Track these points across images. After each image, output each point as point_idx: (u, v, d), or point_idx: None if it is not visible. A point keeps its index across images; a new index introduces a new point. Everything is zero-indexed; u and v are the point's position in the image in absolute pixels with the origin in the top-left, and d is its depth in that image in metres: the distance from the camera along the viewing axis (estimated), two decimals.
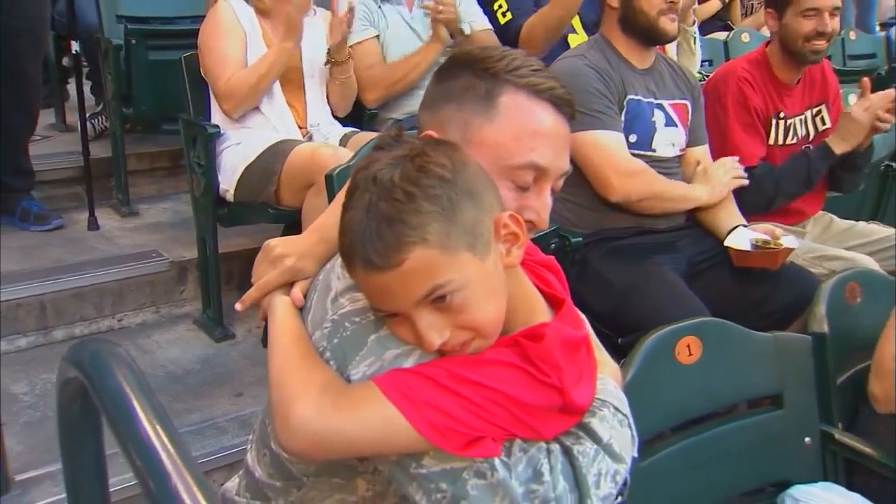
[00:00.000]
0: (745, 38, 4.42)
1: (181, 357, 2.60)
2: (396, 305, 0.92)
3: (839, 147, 2.50)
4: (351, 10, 2.64)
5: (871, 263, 2.28)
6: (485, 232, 0.93)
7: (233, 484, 1.26)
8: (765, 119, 2.56)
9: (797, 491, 1.58)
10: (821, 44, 2.50)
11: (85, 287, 2.72)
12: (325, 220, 1.15)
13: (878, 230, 2.59)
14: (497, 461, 0.91)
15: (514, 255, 0.98)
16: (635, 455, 1.06)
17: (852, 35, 5.36)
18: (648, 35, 2.28)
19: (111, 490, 1.02)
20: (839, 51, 5.07)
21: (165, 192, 3.68)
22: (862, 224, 2.65)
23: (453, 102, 1.07)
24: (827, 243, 2.57)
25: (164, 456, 0.70)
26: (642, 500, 1.41)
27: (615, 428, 0.99)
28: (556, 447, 0.94)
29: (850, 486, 1.64)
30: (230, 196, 2.56)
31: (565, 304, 1.06)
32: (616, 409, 1.01)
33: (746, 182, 2.35)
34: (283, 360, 0.98)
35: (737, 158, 2.39)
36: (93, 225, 3.19)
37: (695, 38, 3.54)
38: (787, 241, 2.18)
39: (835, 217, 2.70)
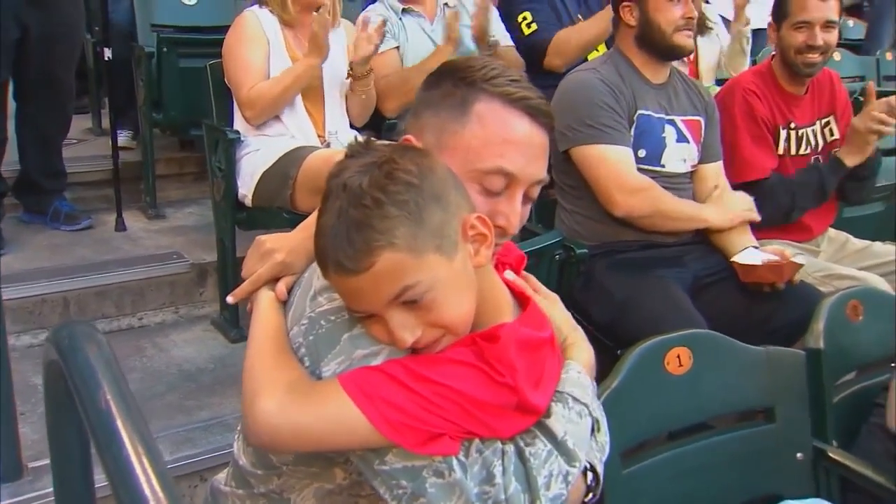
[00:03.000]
0: (837, 56, 4.37)
1: (196, 356, 2.66)
2: (369, 306, 0.95)
3: (850, 159, 2.50)
4: (384, 22, 2.68)
5: (882, 284, 2.25)
6: (452, 233, 0.96)
7: (223, 475, 1.31)
8: (773, 129, 2.56)
9: None
10: (813, 57, 2.50)
11: (107, 286, 2.81)
12: (315, 219, 1.19)
13: (893, 251, 2.56)
14: (455, 461, 0.94)
15: (483, 254, 1.01)
16: (606, 444, 1.08)
17: (889, 55, 5.27)
18: (665, 51, 2.30)
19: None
20: (874, 71, 5.00)
21: (192, 197, 3.77)
22: (878, 245, 2.61)
23: (431, 109, 1.11)
24: (841, 262, 2.54)
25: (124, 435, 0.74)
26: None
27: (571, 421, 1.01)
28: (510, 448, 0.96)
29: None
30: (248, 201, 2.62)
31: (530, 305, 1.09)
32: (575, 399, 1.02)
33: (757, 219, 2.34)
34: (257, 353, 1.02)
35: (752, 199, 2.38)
36: (120, 226, 3.29)
37: (748, 38, 3.54)
38: (797, 259, 2.18)
39: (851, 237, 2.67)
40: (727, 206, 2.32)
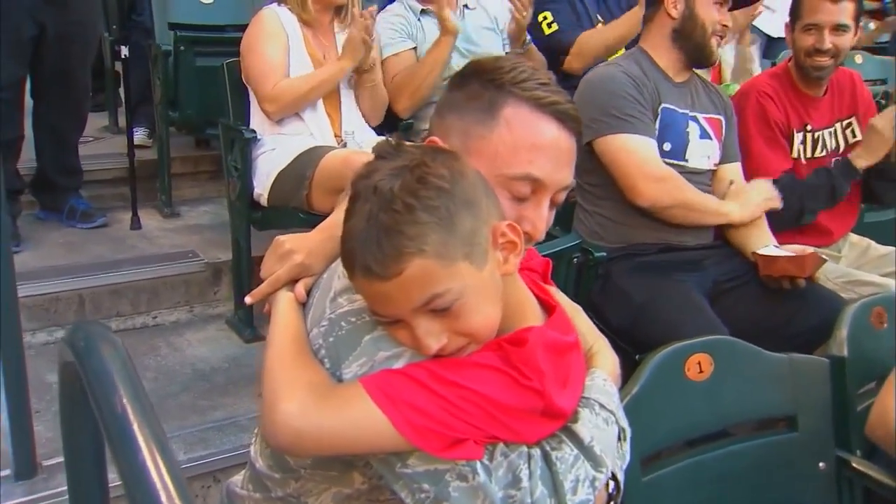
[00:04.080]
0: (859, 59, 4.35)
1: (210, 356, 2.66)
2: (395, 312, 0.94)
3: (861, 161, 2.46)
4: (371, 13, 2.67)
5: None
6: (482, 241, 0.94)
7: (238, 477, 1.29)
8: (787, 133, 2.54)
9: None
10: (822, 60, 2.48)
11: (122, 284, 2.81)
12: (334, 219, 1.17)
13: None
14: (478, 464, 0.93)
15: (512, 262, 0.99)
16: (626, 453, 1.06)
17: None
18: (698, 49, 2.28)
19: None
20: (894, 74, 4.93)
21: (208, 196, 3.77)
22: None
23: (457, 111, 1.09)
24: (863, 268, 2.51)
25: (139, 438, 0.72)
26: None
27: (598, 427, 0.99)
28: (536, 452, 0.95)
29: None
30: (264, 200, 2.61)
31: (556, 310, 1.07)
32: (602, 406, 1.01)
33: (779, 206, 2.32)
34: (278, 355, 1.00)
35: (771, 181, 2.36)
36: (135, 224, 3.29)
37: (751, 58, 3.52)
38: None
39: (873, 242, 2.63)
40: (746, 200, 2.29)
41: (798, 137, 2.56)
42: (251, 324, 2.76)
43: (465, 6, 3.00)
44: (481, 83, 1.08)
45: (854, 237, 2.66)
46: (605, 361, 1.11)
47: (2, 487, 1.91)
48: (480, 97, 1.07)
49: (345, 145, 2.67)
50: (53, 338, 2.67)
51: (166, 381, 2.48)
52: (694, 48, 2.28)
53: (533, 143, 1.05)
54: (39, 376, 2.37)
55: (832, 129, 2.62)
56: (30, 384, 1.95)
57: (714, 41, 2.26)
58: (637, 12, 2.70)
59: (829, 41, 2.46)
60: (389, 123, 2.88)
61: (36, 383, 2.17)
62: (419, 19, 2.91)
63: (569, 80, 2.66)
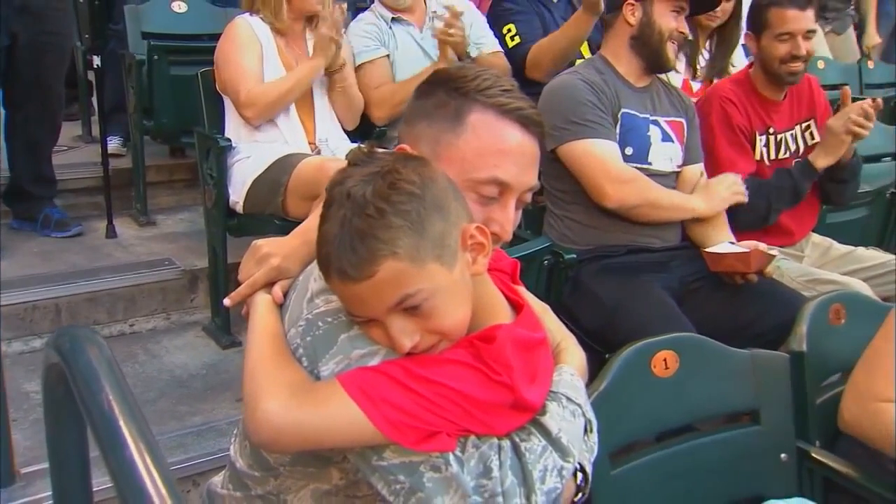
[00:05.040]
0: (821, 64, 4.47)
1: (188, 362, 2.68)
2: (370, 312, 0.98)
3: (821, 161, 2.55)
4: (342, 10, 2.70)
5: (865, 288, 2.29)
6: (452, 243, 0.99)
7: (218, 478, 1.33)
8: (750, 136, 2.61)
9: None
10: (797, 65, 2.57)
11: (99, 292, 2.82)
12: (309, 224, 1.21)
13: (876, 256, 2.61)
14: (451, 456, 0.97)
15: (480, 263, 1.04)
16: (594, 445, 1.11)
17: (870, 63, 5.32)
18: (654, 55, 2.34)
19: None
20: (856, 79, 5.05)
21: (183, 204, 3.78)
22: (861, 249, 2.66)
23: (426, 119, 1.14)
24: (825, 267, 2.59)
25: (128, 436, 0.75)
26: None
27: (565, 419, 1.04)
28: (506, 443, 0.99)
29: None
30: (240, 208, 2.63)
31: (524, 308, 1.12)
32: (569, 399, 1.06)
33: (745, 199, 2.39)
34: (258, 355, 1.04)
35: (739, 176, 2.43)
36: (111, 233, 3.30)
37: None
38: (780, 262, 2.21)
39: (834, 242, 2.71)
40: (713, 194, 2.36)
41: (761, 140, 2.64)
42: (228, 330, 2.77)
43: (434, 12, 3.04)
44: (447, 91, 1.13)
45: (816, 237, 2.73)
46: (573, 357, 1.16)
47: None
48: (447, 105, 1.13)
49: (319, 152, 2.70)
50: (29, 347, 2.67)
51: (145, 388, 2.49)
52: (650, 54, 2.34)
53: (499, 149, 1.10)
54: (16, 386, 2.38)
55: (793, 132, 2.70)
56: (7, 393, 1.96)
57: (670, 47, 2.33)
58: (581, 13, 2.76)
59: (803, 47, 2.55)
60: (363, 130, 2.92)
61: (12, 393, 2.18)
62: (390, 27, 2.95)
63: (536, 87, 2.70)
